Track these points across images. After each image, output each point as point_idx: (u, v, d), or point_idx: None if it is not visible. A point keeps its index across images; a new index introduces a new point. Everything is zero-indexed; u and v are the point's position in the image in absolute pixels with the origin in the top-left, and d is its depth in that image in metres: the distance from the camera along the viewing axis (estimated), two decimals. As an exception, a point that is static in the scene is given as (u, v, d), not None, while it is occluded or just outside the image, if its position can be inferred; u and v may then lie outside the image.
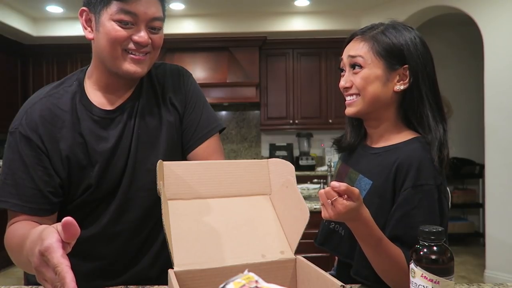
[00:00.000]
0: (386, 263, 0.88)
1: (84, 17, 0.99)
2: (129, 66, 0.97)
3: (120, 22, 0.93)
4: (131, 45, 0.95)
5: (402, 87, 0.98)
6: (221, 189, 0.94)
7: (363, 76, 0.98)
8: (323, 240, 1.09)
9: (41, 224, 0.94)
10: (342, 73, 1.04)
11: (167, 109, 1.08)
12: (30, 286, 1.02)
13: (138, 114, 1.04)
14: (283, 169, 0.95)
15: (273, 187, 0.97)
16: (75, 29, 4.61)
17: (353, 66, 1.00)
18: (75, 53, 4.89)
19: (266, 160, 0.99)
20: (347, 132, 1.13)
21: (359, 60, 0.98)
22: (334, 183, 0.79)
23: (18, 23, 4.44)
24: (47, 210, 0.97)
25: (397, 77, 0.98)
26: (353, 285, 0.97)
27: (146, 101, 1.06)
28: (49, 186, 0.97)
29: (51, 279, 0.61)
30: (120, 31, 0.93)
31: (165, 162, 0.90)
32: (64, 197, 1.01)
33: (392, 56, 0.97)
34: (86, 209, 1.02)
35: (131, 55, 0.96)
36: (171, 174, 0.91)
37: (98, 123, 1.01)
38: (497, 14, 3.54)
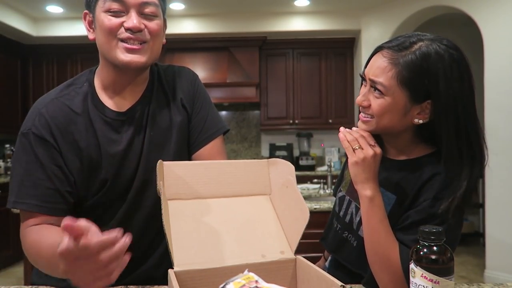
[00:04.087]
0: (380, 246, 0.89)
1: (87, 19, 1.00)
2: (123, 56, 0.95)
3: (111, 12, 0.93)
4: (125, 34, 0.94)
5: (421, 121, 0.91)
6: (221, 189, 0.94)
7: (382, 105, 0.89)
8: (335, 248, 1.09)
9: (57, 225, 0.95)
10: (364, 83, 0.95)
11: (178, 111, 1.08)
12: (30, 286, 1.02)
13: (150, 117, 1.04)
14: (283, 169, 0.94)
15: (273, 187, 0.97)
16: (75, 29, 4.61)
17: (374, 88, 0.91)
18: (75, 53, 4.89)
19: (266, 160, 0.99)
20: None
21: (380, 87, 0.88)
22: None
23: (18, 23, 4.44)
24: (64, 210, 0.97)
25: (418, 109, 0.90)
26: (353, 285, 0.97)
27: (157, 103, 1.06)
28: (66, 185, 0.97)
29: (87, 270, 0.65)
30: (111, 20, 0.93)
31: (165, 162, 0.90)
32: (75, 199, 1.00)
33: (419, 89, 0.87)
34: (96, 212, 1.02)
35: (125, 44, 0.95)
36: (171, 174, 0.91)
37: (110, 124, 1.01)
38: (497, 14, 3.54)
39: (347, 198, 1.08)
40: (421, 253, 0.69)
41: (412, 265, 0.71)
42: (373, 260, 0.91)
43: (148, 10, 0.96)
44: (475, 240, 4.85)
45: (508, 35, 3.47)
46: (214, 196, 0.93)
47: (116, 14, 0.94)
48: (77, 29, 4.60)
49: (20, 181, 0.95)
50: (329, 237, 1.13)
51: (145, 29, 0.96)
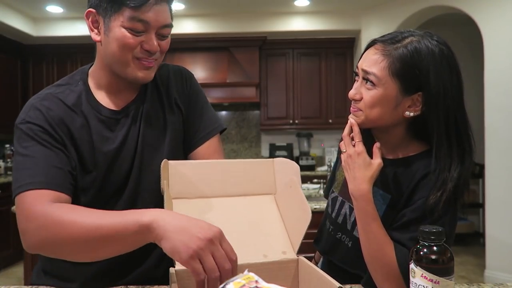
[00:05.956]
0: (372, 248, 0.89)
1: (90, 18, 0.96)
2: (139, 73, 0.96)
3: (132, 30, 0.91)
4: (141, 53, 0.94)
5: (412, 114, 0.91)
6: (225, 189, 0.94)
7: (374, 96, 0.90)
8: (329, 249, 1.09)
9: None
10: (356, 78, 0.97)
11: (172, 111, 1.08)
12: (30, 286, 1.02)
13: (143, 117, 1.03)
14: (288, 168, 0.94)
15: (278, 187, 0.97)
16: (75, 29, 4.61)
17: (366, 80, 0.92)
18: (75, 53, 4.88)
19: (271, 159, 0.98)
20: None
21: (372, 78, 0.90)
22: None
23: (18, 23, 4.44)
24: (71, 190, 0.93)
25: (410, 102, 0.91)
26: (353, 285, 0.97)
27: (151, 103, 1.06)
28: (68, 165, 0.94)
29: (211, 266, 0.68)
30: (130, 39, 0.92)
31: (170, 162, 0.90)
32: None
33: (410, 80, 0.89)
34: None
35: (142, 62, 0.95)
36: (176, 173, 0.91)
37: (105, 123, 1.00)
38: (497, 14, 3.54)
39: (340, 198, 1.08)
40: (421, 253, 0.69)
41: (412, 265, 0.71)
42: (368, 260, 0.91)
43: (165, 31, 0.96)
44: (475, 240, 4.85)
45: (508, 35, 3.47)
46: (218, 196, 0.93)
47: (137, 33, 0.92)
48: (77, 29, 4.60)
49: (21, 167, 0.91)
50: (322, 239, 1.13)
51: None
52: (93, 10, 0.95)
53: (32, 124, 0.94)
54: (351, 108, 0.97)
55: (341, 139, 0.96)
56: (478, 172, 4.78)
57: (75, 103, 0.99)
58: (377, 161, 0.90)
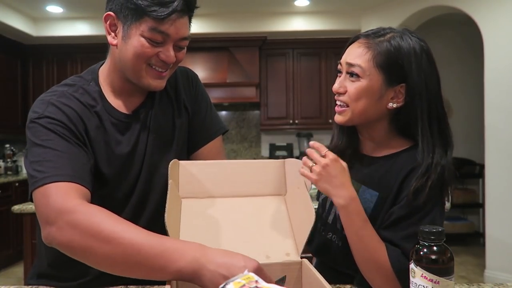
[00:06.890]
0: (366, 251, 0.89)
1: (109, 22, 0.95)
2: (151, 81, 0.96)
3: (151, 40, 0.91)
4: (156, 61, 0.94)
5: (395, 105, 0.94)
6: (235, 189, 0.94)
7: (359, 87, 0.92)
8: (319, 249, 1.09)
9: None
10: (338, 74, 0.98)
11: (180, 113, 1.09)
12: (30, 286, 1.02)
13: (153, 122, 1.04)
14: (298, 169, 0.94)
15: (288, 187, 0.96)
16: (75, 29, 4.61)
17: (350, 74, 0.94)
18: (75, 53, 4.87)
19: (282, 160, 0.98)
20: (333, 136, 1.08)
21: (357, 70, 0.92)
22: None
23: (18, 23, 4.44)
24: (91, 186, 0.88)
25: (392, 94, 0.93)
26: (353, 286, 0.97)
27: (160, 106, 1.06)
28: (89, 162, 0.92)
29: None
30: (148, 48, 0.91)
31: (181, 162, 0.91)
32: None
33: (393, 71, 0.91)
34: None
35: (156, 71, 0.95)
36: (186, 173, 0.91)
37: (116, 126, 1.00)
38: (497, 14, 3.54)
39: (330, 198, 1.08)
40: (421, 253, 0.69)
41: (412, 265, 0.71)
42: (362, 265, 0.91)
43: (183, 43, 0.97)
44: (475, 240, 4.85)
45: (508, 35, 3.47)
46: (227, 196, 0.93)
47: (155, 43, 0.92)
48: (77, 29, 4.59)
49: (43, 157, 0.86)
50: (314, 240, 1.12)
51: None
52: (113, 14, 0.94)
53: (52, 119, 0.91)
54: (336, 107, 0.97)
55: (302, 155, 0.94)
56: (478, 172, 4.78)
57: (90, 103, 0.98)
58: (344, 163, 0.90)
